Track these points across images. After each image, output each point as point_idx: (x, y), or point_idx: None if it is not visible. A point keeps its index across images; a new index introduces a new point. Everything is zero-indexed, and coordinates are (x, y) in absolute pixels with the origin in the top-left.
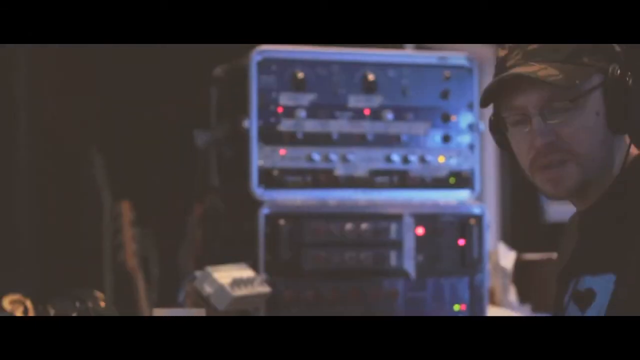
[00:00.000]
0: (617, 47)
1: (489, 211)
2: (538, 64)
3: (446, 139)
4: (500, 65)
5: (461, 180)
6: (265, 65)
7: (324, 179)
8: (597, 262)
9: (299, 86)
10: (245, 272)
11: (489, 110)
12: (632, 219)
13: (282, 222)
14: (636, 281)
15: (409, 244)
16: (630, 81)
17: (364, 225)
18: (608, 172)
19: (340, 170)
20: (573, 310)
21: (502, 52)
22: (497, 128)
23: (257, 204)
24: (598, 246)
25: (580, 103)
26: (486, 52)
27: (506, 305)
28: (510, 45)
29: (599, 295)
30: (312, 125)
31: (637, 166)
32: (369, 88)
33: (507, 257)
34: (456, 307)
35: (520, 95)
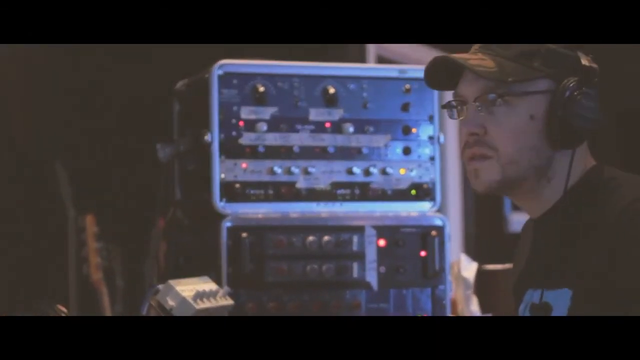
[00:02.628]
0: (585, 61)
1: (452, 223)
2: (482, 55)
3: (407, 151)
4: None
5: (422, 192)
6: (226, 79)
7: (285, 191)
8: (552, 275)
9: (260, 100)
10: (208, 285)
11: (450, 123)
12: (586, 232)
13: (244, 235)
14: (591, 296)
15: (371, 256)
16: (581, 98)
17: (326, 238)
18: (545, 179)
19: (301, 183)
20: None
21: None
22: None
23: (220, 217)
24: (552, 258)
25: (513, 102)
26: None
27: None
28: None
29: (556, 309)
30: (273, 139)
31: (590, 178)
32: (330, 101)
33: (469, 268)
34: None
35: (462, 83)
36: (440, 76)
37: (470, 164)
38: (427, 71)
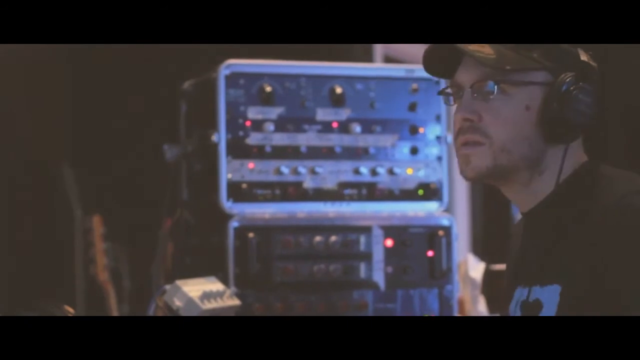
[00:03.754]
0: (584, 57)
1: (459, 222)
2: (483, 43)
3: (414, 151)
4: None
5: (429, 192)
6: (233, 79)
7: (292, 191)
8: (541, 271)
9: (267, 100)
10: (215, 285)
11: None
12: (575, 226)
13: (251, 235)
14: (580, 293)
15: (378, 256)
16: (578, 93)
17: (333, 238)
18: (537, 172)
19: (308, 183)
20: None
21: None
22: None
23: (226, 217)
24: (541, 253)
25: (509, 90)
26: None
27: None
28: None
29: (546, 306)
30: (280, 139)
31: (581, 174)
32: (337, 101)
33: (476, 268)
34: None
35: (460, 71)
36: (438, 63)
37: (461, 149)
38: (426, 56)
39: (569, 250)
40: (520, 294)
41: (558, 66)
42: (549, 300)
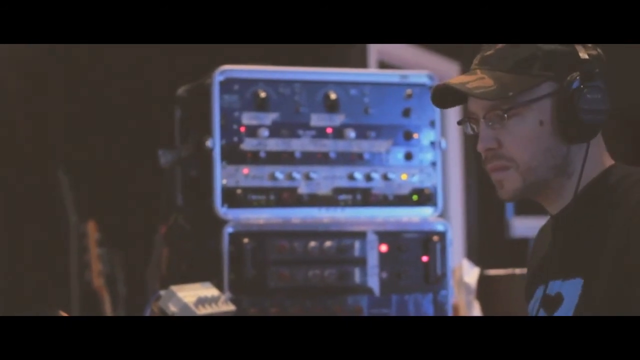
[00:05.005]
0: (583, 54)
1: (454, 228)
2: (481, 72)
3: (408, 156)
4: (469, 67)
5: (424, 197)
6: (227, 84)
7: (287, 197)
8: (566, 267)
9: (261, 105)
10: (210, 291)
11: (452, 128)
12: (603, 223)
13: (246, 240)
14: (603, 285)
15: (373, 261)
16: (586, 92)
17: (328, 243)
18: (565, 176)
19: (303, 189)
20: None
21: (479, 52)
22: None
23: (221, 222)
24: (568, 251)
25: (520, 113)
26: (448, 69)
27: None
28: (483, 46)
29: (567, 299)
30: (274, 144)
31: (608, 174)
32: (331, 107)
33: (470, 273)
34: None
35: (471, 101)
36: (446, 99)
37: (493, 175)
38: (433, 99)
39: (592, 244)
40: (540, 291)
41: (560, 72)
42: (570, 294)
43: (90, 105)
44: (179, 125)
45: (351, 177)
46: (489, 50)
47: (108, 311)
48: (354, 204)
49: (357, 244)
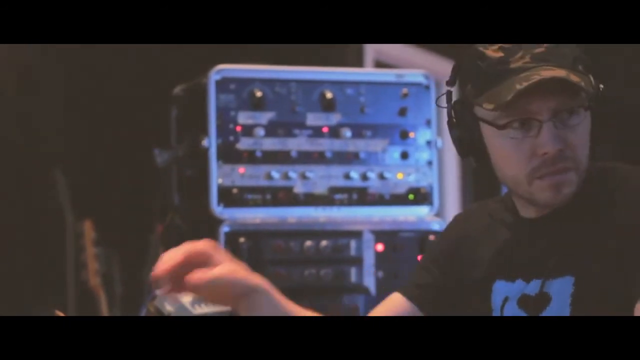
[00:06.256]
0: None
1: None
2: (559, 69)
3: (404, 155)
4: (501, 66)
5: (420, 196)
6: (223, 84)
7: (283, 196)
8: (549, 266)
9: (257, 104)
10: None
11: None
12: (593, 217)
13: (242, 240)
14: (599, 282)
15: (369, 261)
16: (603, 90)
17: (324, 242)
18: None
19: (299, 188)
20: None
21: (496, 53)
22: (471, 131)
23: (217, 222)
24: (550, 249)
25: (579, 111)
26: (444, 69)
27: None
28: (504, 45)
29: (556, 298)
30: (270, 144)
31: (591, 169)
32: (327, 106)
33: None
34: None
35: (537, 100)
36: (547, 92)
37: (554, 179)
38: (522, 93)
39: (584, 241)
40: (508, 288)
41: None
42: (560, 293)
43: (86, 104)
44: (174, 125)
45: (347, 177)
46: (538, 48)
47: (104, 311)
48: (350, 203)
49: (353, 244)
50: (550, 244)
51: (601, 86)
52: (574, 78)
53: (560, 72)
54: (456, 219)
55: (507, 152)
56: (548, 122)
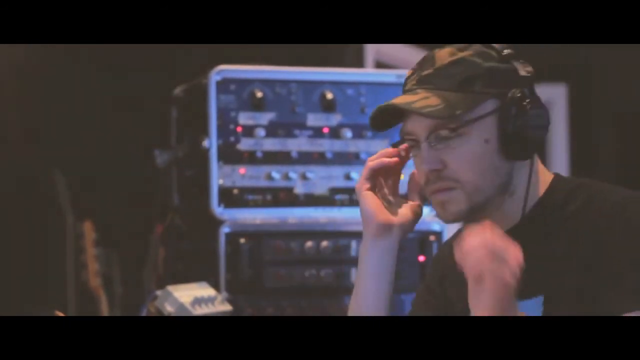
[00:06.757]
0: (522, 71)
1: (450, 227)
2: (424, 92)
3: None
4: (404, 85)
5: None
6: (224, 84)
7: (283, 197)
8: (521, 287)
9: (257, 105)
10: (206, 291)
11: None
12: (559, 236)
13: (242, 240)
14: (569, 300)
15: None
16: (530, 108)
17: (324, 243)
18: (507, 194)
19: (299, 189)
20: None
21: (409, 72)
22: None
23: (218, 222)
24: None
25: (466, 132)
26: None
27: None
28: (415, 66)
29: None
30: (271, 144)
31: (557, 187)
32: (328, 106)
33: None
34: None
35: (410, 121)
36: (385, 121)
37: (436, 197)
38: (373, 120)
39: (552, 261)
40: None
41: (502, 89)
42: (532, 313)
43: (86, 105)
44: (175, 125)
45: (348, 177)
46: (427, 69)
47: (104, 311)
48: (351, 203)
49: (353, 244)
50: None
51: (513, 109)
52: (420, 104)
53: (409, 98)
54: (434, 260)
55: (415, 168)
56: (424, 142)
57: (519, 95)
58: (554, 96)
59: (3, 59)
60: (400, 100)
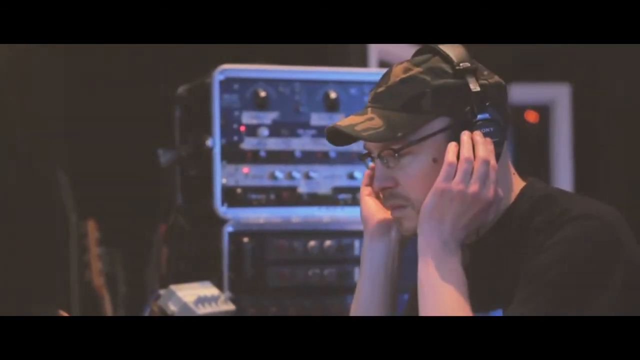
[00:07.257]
0: (474, 86)
1: None
2: (371, 111)
3: None
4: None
5: None
6: (227, 84)
7: (287, 196)
8: (486, 300)
9: (261, 104)
10: (210, 290)
11: None
12: (517, 249)
13: (245, 239)
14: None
15: None
16: (480, 125)
17: (328, 242)
18: None
19: (303, 188)
20: None
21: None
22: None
23: (221, 222)
24: (485, 283)
25: (414, 150)
26: None
27: None
28: (379, 80)
29: None
30: (274, 144)
31: (523, 199)
32: (331, 106)
33: None
34: None
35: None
36: (341, 139)
37: (392, 213)
38: (329, 140)
39: (509, 271)
40: None
41: (452, 107)
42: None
43: (89, 104)
44: (178, 125)
45: (351, 177)
46: (381, 86)
47: (108, 310)
48: (354, 203)
49: (357, 243)
50: (482, 275)
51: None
52: (361, 127)
53: (355, 119)
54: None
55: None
56: (377, 159)
57: (467, 114)
58: (558, 96)
59: (3, 59)
60: (346, 122)
